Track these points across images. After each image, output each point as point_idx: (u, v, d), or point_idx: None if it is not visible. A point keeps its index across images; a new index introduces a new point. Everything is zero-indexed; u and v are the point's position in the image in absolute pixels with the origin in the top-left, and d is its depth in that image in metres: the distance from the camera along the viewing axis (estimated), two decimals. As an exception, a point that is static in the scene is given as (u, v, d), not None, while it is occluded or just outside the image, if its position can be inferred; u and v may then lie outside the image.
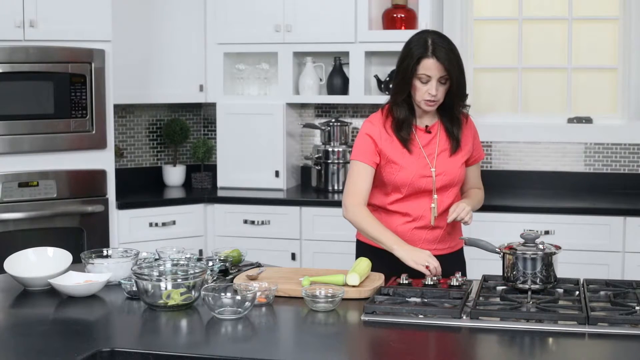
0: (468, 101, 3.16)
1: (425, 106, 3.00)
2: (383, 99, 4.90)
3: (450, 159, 3.07)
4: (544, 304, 2.49)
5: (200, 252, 4.65)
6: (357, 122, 5.15)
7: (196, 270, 2.62)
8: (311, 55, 4.99)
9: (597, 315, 2.39)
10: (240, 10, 4.92)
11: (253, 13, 4.90)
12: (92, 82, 4.39)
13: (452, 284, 2.70)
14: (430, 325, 2.40)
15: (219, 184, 5.03)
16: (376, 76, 4.95)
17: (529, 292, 2.58)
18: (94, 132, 4.44)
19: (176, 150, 5.28)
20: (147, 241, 4.43)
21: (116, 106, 4.69)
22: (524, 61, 5.02)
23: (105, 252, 2.98)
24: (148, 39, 4.88)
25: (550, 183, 4.86)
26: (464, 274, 3.16)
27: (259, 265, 3.07)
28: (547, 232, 4.22)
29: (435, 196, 3.04)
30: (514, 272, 2.61)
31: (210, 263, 2.91)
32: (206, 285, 2.57)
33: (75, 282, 2.74)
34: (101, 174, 4.49)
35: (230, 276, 2.89)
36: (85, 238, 4.42)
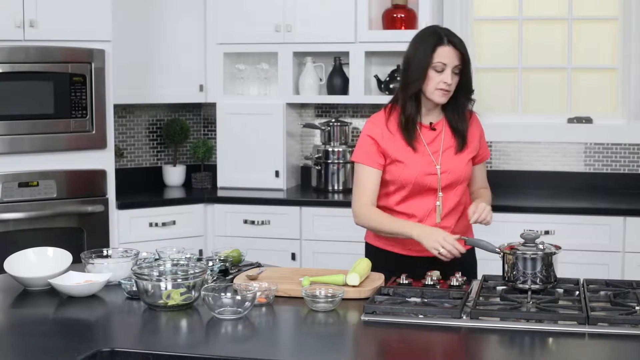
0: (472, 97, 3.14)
1: (439, 97, 2.96)
2: (383, 99, 4.92)
3: (455, 157, 3.05)
4: (544, 304, 2.49)
5: (200, 252, 4.64)
6: (357, 122, 5.15)
7: (196, 270, 2.62)
8: (311, 55, 4.99)
9: (597, 315, 2.39)
10: (240, 10, 4.92)
11: (253, 13, 4.90)
12: (92, 82, 4.39)
13: (452, 284, 2.70)
14: (430, 325, 2.40)
15: (219, 184, 5.03)
16: (376, 76, 4.95)
17: (529, 292, 2.58)
18: (94, 132, 4.44)
19: (176, 150, 5.28)
20: (147, 241, 4.43)
21: (116, 106, 4.69)
22: (524, 61, 5.02)
23: (105, 252, 2.98)
24: (148, 39, 4.88)
25: (550, 183, 4.86)
26: (474, 274, 3.15)
27: (259, 265, 3.07)
28: (547, 232, 4.22)
29: (441, 194, 3.02)
30: (514, 272, 2.61)
31: (210, 263, 2.91)
32: (206, 285, 2.57)
33: (75, 282, 2.74)
34: (101, 174, 4.49)
35: (230, 276, 2.89)
36: (85, 238, 4.42)
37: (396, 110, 3.07)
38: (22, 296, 2.75)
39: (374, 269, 2.84)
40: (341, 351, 2.27)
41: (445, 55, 2.92)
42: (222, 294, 2.49)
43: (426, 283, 2.72)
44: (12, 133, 4.26)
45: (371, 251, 3.17)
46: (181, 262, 2.77)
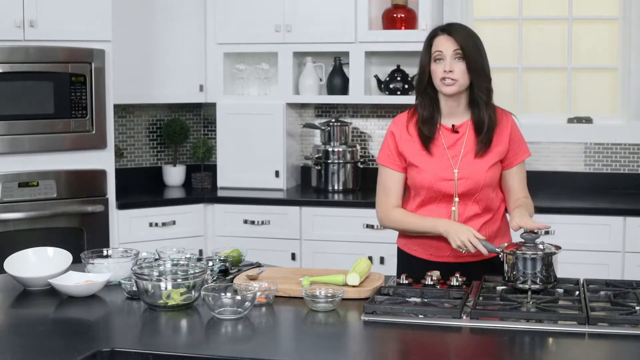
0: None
1: (444, 87, 2.87)
2: (383, 99, 4.93)
3: (475, 161, 2.91)
4: (544, 304, 2.49)
5: (200, 252, 4.64)
6: (357, 122, 5.15)
7: (196, 270, 2.62)
8: (311, 55, 4.99)
9: (597, 315, 2.39)
10: (240, 10, 4.92)
11: (253, 13, 4.90)
12: (92, 82, 4.39)
13: (452, 284, 2.70)
14: (430, 325, 2.40)
15: (219, 184, 5.03)
16: (376, 76, 4.95)
17: (529, 292, 2.58)
18: (94, 132, 4.44)
19: (176, 150, 5.28)
20: (147, 241, 4.43)
21: (116, 106, 4.69)
22: (524, 61, 5.02)
23: (105, 252, 2.98)
24: (148, 39, 4.88)
25: (550, 183, 4.86)
26: None
27: (259, 265, 3.07)
28: (547, 232, 4.22)
29: (457, 199, 2.90)
30: (514, 272, 2.61)
31: (210, 263, 2.91)
32: (206, 285, 2.57)
33: (75, 282, 2.74)
34: (101, 174, 4.49)
35: (230, 276, 2.89)
36: (85, 238, 4.42)
37: (417, 112, 3.00)
38: (22, 296, 2.75)
39: (406, 272, 2.80)
40: (341, 351, 2.27)
41: (439, 43, 2.88)
42: (222, 294, 2.49)
43: (426, 283, 2.71)
44: (12, 133, 4.26)
45: (402, 256, 3.11)
46: (181, 262, 2.77)
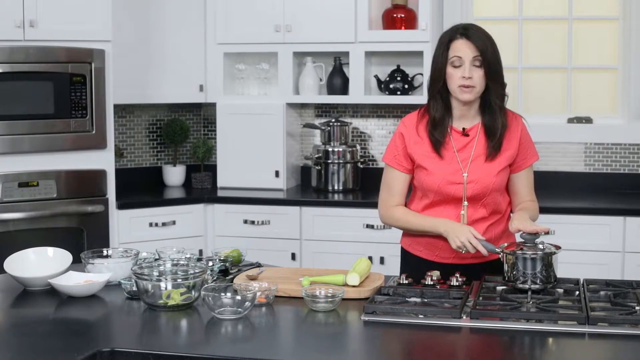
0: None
1: (462, 93, 2.82)
2: (383, 99, 4.92)
3: (485, 165, 2.89)
4: (544, 304, 2.49)
5: (200, 252, 4.64)
6: (357, 122, 5.15)
7: (196, 270, 2.62)
8: (311, 55, 4.99)
9: (597, 315, 2.39)
10: (240, 10, 4.92)
11: (253, 13, 4.90)
12: (92, 82, 4.39)
13: (452, 284, 2.69)
14: (430, 325, 2.40)
15: (219, 184, 5.03)
16: (376, 76, 4.95)
17: (529, 292, 2.58)
18: (94, 132, 4.44)
19: (176, 150, 5.28)
20: (147, 241, 4.43)
21: (116, 106, 4.69)
22: (524, 61, 5.02)
23: (105, 252, 2.98)
24: (148, 39, 4.88)
25: (550, 183, 4.86)
26: None
27: (259, 265, 3.07)
28: (547, 233, 4.21)
29: (466, 203, 2.88)
30: (514, 272, 2.61)
31: (210, 263, 2.91)
32: (206, 285, 2.57)
33: (75, 282, 2.74)
34: (101, 174, 4.49)
35: (230, 276, 2.89)
36: (85, 238, 4.42)
37: (427, 114, 2.95)
38: (22, 296, 2.75)
39: (410, 273, 2.79)
40: (341, 351, 2.27)
41: (458, 48, 2.82)
42: (222, 294, 2.49)
43: (426, 283, 2.71)
44: (12, 133, 4.26)
45: (406, 256, 3.10)
46: (181, 262, 2.77)
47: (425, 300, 2.57)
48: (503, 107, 2.92)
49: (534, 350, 2.27)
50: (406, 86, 4.86)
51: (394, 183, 2.99)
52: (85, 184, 4.45)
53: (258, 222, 4.70)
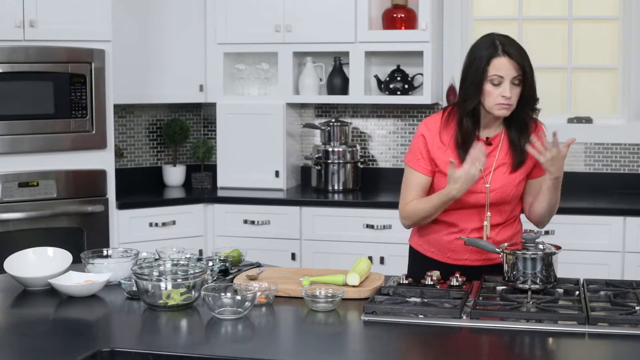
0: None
1: (499, 110, 2.78)
2: (383, 99, 4.92)
3: (507, 175, 2.89)
4: (544, 304, 2.49)
5: (200, 252, 4.64)
6: (357, 122, 5.15)
7: (196, 270, 2.62)
8: (311, 55, 4.99)
9: (597, 315, 2.39)
10: (240, 10, 4.92)
11: (253, 13, 4.90)
12: (92, 82, 4.39)
13: (452, 284, 2.69)
14: (430, 325, 2.40)
15: (219, 184, 5.03)
16: (376, 76, 4.95)
17: (529, 292, 2.58)
18: (94, 132, 4.44)
19: (176, 150, 5.28)
20: (147, 241, 4.43)
21: (116, 106, 4.69)
22: (524, 61, 5.01)
23: (105, 252, 2.98)
24: (148, 39, 4.88)
25: (550, 183, 4.85)
26: None
27: (259, 265, 3.07)
28: (547, 232, 4.22)
29: (489, 214, 2.86)
30: (514, 272, 2.61)
31: (210, 263, 2.91)
32: (206, 285, 2.57)
33: (75, 282, 2.74)
34: (101, 174, 4.49)
35: (230, 276, 2.89)
36: (85, 238, 4.42)
37: (453, 121, 2.89)
38: (22, 296, 2.75)
39: (418, 273, 2.79)
40: (341, 351, 2.27)
41: (500, 67, 2.75)
42: (222, 294, 2.49)
43: (426, 283, 2.71)
44: (12, 133, 4.26)
45: (414, 255, 3.09)
46: (181, 262, 2.77)
47: (425, 300, 2.57)
48: (533, 119, 2.91)
49: (534, 350, 2.27)
50: (406, 86, 4.86)
51: (414, 184, 2.94)
52: (85, 184, 4.45)
53: (258, 222, 4.70)
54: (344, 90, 4.96)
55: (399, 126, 5.11)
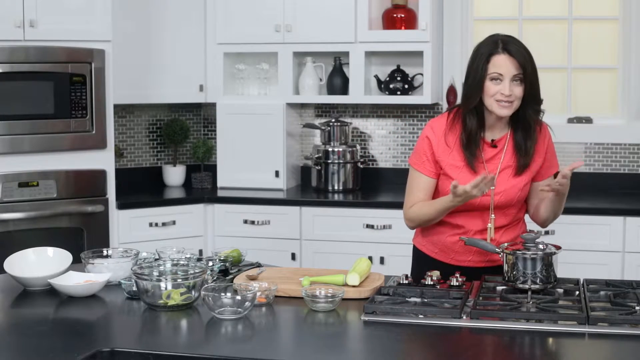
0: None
1: (500, 109, 2.77)
2: (383, 99, 4.92)
3: (512, 178, 2.88)
4: (544, 304, 2.49)
5: (200, 252, 4.64)
6: (357, 122, 5.15)
7: (196, 270, 2.62)
8: (311, 55, 4.99)
9: (597, 315, 2.39)
10: (240, 10, 4.92)
11: (253, 13, 4.90)
12: (92, 82, 4.39)
13: (452, 284, 2.69)
14: (430, 325, 2.40)
15: (219, 184, 5.03)
16: (376, 76, 4.95)
17: (529, 292, 2.58)
18: (94, 132, 4.44)
19: (176, 150, 5.28)
20: (147, 241, 4.43)
21: (116, 106, 4.69)
22: (524, 61, 5.01)
23: (105, 252, 2.98)
24: (148, 39, 4.88)
25: (550, 183, 4.85)
26: None
27: (259, 265, 3.07)
28: (547, 232, 4.22)
29: (493, 216, 2.86)
30: (514, 272, 2.61)
31: (210, 263, 2.91)
32: (206, 285, 2.57)
33: (75, 282, 2.74)
34: (101, 174, 4.49)
35: (230, 276, 2.89)
36: (85, 238, 4.42)
37: (458, 123, 2.88)
38: (22, 296, 2.75)
39: (421, 273, 2.78)
40: (341, 351, 2.27)
41: (500, 64, 2.75)
42: (222, 294, 2.49)
43: (426, 283, 2.71)
44: (12, 133, 4.26)
45: (418, 255, 3.09)
46: (181, 262, 2.77)
47: (425, 300, 2.57)
48: (538, 121, 2.89)
49: (534, 350, 2.27)
50: (406, 86, 4.86)
51: (419, 186, 2.94)
52: (85, 184, 4.45)
53: (258, 222, 4.70)
54: (344, 90, 4.96)
55: (399, 126, 5.11)
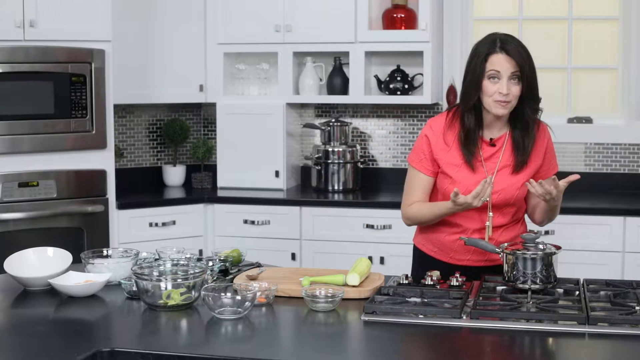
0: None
1: (497, 108, 2.79)
2: (383, 99, 4.92)
3: (511, 177, 2.88)
4: (544, 304, 2.49)
5: (200, 252, 4.64)
6: (357, 122, 5.15)
7: (196, 270, 2.62)
8: (311, 55, 4.99)
9: (597, 315, 2.39)
10: (240, 10, 4.92)
11: (253, 13, 4.90)
12: (92, 82, 4.39)
13: (452, 284, 2.70)
14: (430, 325, 2.40)
15: (219, 184, 5.03)
16: (376, 76, 4.95)
17: (529, 292, 2.58)
18: (94, 132, 4.44)
19: (176, 150, 5.28)
20: (147, 241, 4.43)
21: (116, 106, 4.69)
22: (524, 61, 5.01)
23: (105, 252, 2.98)
24: (148, 39, 4.88)
25: (550, 183, 4.85)
26: None
27: (259, 265, 3.07)
28: (547, 232, 4.22)
29: (491, 214, 2.86)
30: (514, 272, 2.61)
31: (210, 263, 2.91)
32: (206, 285, 2.57)
33: (75, 282, 2.74)
34: (101, 174, 4.49)
35: (230, 276, 2.89)
36: (85, 238, 4.42)
37: (457, 122, 2.90)
38: (22, 296, 2.75)
39: (421, 272, 2.78)
40: (341, 351, 2.27)
41: (497, 63, 2.77)
42: (222, 294, 2.49)
43: (426, 283, 2.71)
44: (12, 133, 4.26)
45: (418, 255, 3.10)
46: (181, 262, 2.77)
47: (425, 300, 2.57)
48: (536, 120, 2.90)
49: (534, 350, 2.27)
50: (406, 86, 4.86)
51: (417, 184, 2.96)
52: (85, 184, 4.45)
53: (258, 222, 4.70)
54: (344, 90, 4.96)
55: (399, 126, 5.11)
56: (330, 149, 4.92)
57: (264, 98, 5.07)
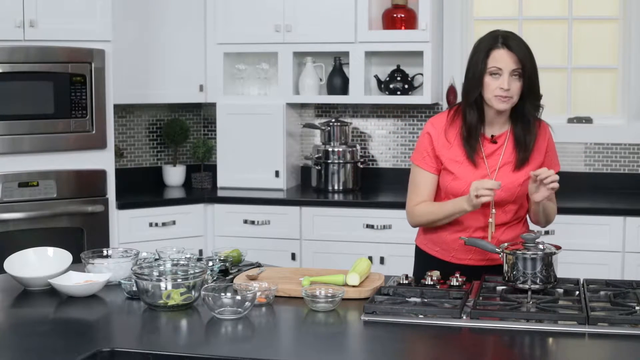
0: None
1: (498, 103, 2.80)
2: (383, 99, 4.92)
3: (512, 174, 2.89)
4: (544, 304, 2.49)
5: (200, 252, 4.64)
6: (357, 122, 5.15)
7: (196, 270, 2.62)
8: (311, 55, 4.99)
9: (597, 315, 2.39)
10: (240, 10, 4.92)
11: (253, 13, 4.90)
12: (92, 82, 4.39)
13: (452, 284, 2.69)
14: (430, 325, 2.40)
15: (219, 184, 5.03)
16: (376, 76, 4.95)
17: (529, 292, 2.58)
18: (94, 132, 4.44)
19: (176, 150, 5.28)
20: (147, 241, 4.43)
21: (116, 106, 4.69)
22: (524, 61, 5.01)
23: (105, 252, 2.98)
24: (148, 39, 4.88)
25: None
26: None
27: (259, 265, 3.07)
28: (547, 232, 4.22)
29: (494, 211, 2.82)
30: (514, 272, 2.61)
31: (210, 263, 2.91)
32: (206, 285, 2.57)
33: (75, 282, 2.74)
34: (101, 174, 4.49)
35: (230, 276, 2.89)
36: (85, 238, 4.42)
37: (458, 119, 2.91)
38: (22, 296, 2.75)
39: (423, 273, 2.78)
40: (341, 351, 2.27)
41: (499, 58, 2.79)
42: (222, 294, 2.49)
43: (426, 283, 2.71)
44: (12, 133, 4.26)
45: (420, 255, 3.10)
46: (181, 262, 2.77)
47: (425, 300, 2.57)
48: (537, 118, 2.91)
49: (534, 350, 2.27)
50: (406, 86, 4.86)
51: (422, 183, 2.96)
52: (85, 184, 4.45)
53: (258, 222, 4.70)
54: (344, 90, 4.96)
55: (399, 126, 5.11)
56: (330, 149, 4.92)
57: (264, 98, 5.07)
